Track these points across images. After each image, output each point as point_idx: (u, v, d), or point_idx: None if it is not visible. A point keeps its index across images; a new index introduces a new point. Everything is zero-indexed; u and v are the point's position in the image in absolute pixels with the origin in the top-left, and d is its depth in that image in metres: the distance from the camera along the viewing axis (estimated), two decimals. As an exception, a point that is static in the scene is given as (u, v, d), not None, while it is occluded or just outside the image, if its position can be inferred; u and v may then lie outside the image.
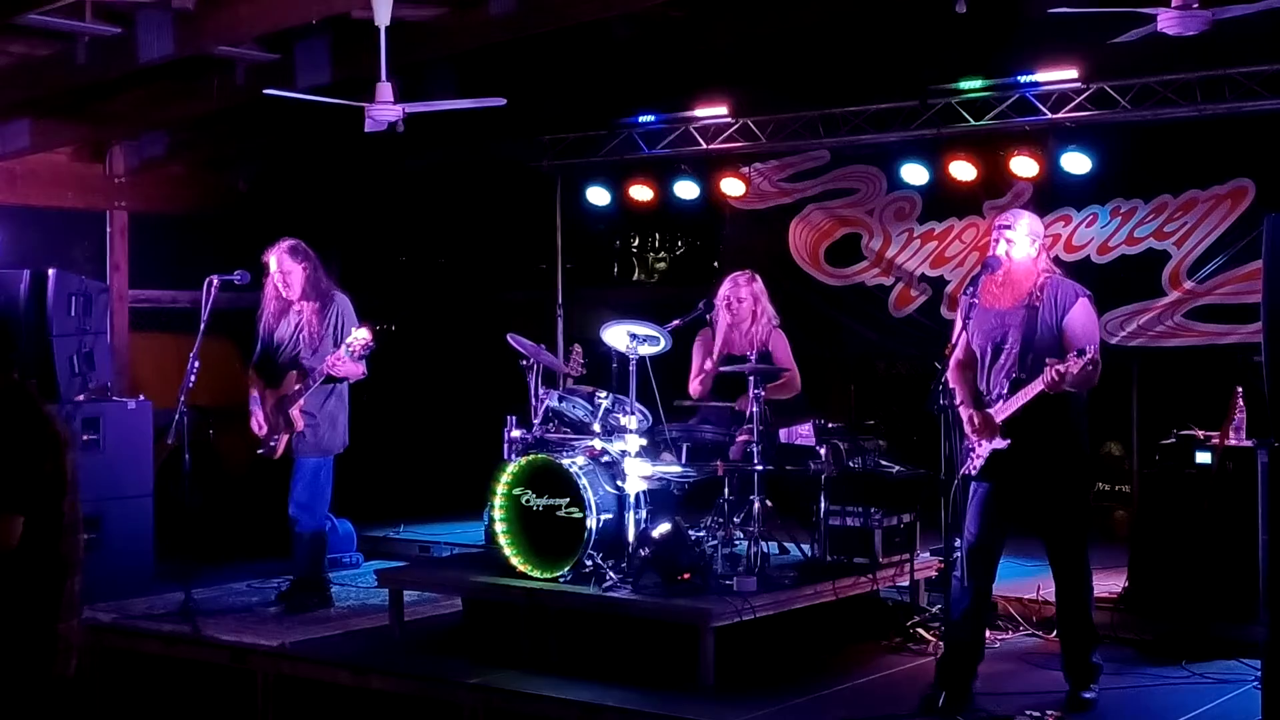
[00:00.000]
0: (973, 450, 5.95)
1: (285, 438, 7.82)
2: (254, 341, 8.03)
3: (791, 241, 10.18)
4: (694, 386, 8.12)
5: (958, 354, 6.15)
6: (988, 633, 6.96)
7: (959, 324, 6.12)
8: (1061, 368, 5.62)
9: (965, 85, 8.99)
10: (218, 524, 8.83)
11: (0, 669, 4.13)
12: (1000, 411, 5.87)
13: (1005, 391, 5.88)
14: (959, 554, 5.96)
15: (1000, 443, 5.86)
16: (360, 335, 7.59)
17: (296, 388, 7.76)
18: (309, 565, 8.02)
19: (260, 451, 7.91)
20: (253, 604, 8.09)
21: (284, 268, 7.84)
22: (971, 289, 6.00)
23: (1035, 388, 5.73)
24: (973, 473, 5.90)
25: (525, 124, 10.22)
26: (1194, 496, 7.13)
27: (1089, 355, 5.57)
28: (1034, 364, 5.83)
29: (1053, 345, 5.85)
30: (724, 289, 8.06)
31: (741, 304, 7.96)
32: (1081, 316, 5.94)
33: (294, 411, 7.77)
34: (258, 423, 7.91)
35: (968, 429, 5.98)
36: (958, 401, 5.98)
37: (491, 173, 11.97)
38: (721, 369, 7.83)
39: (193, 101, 9.50)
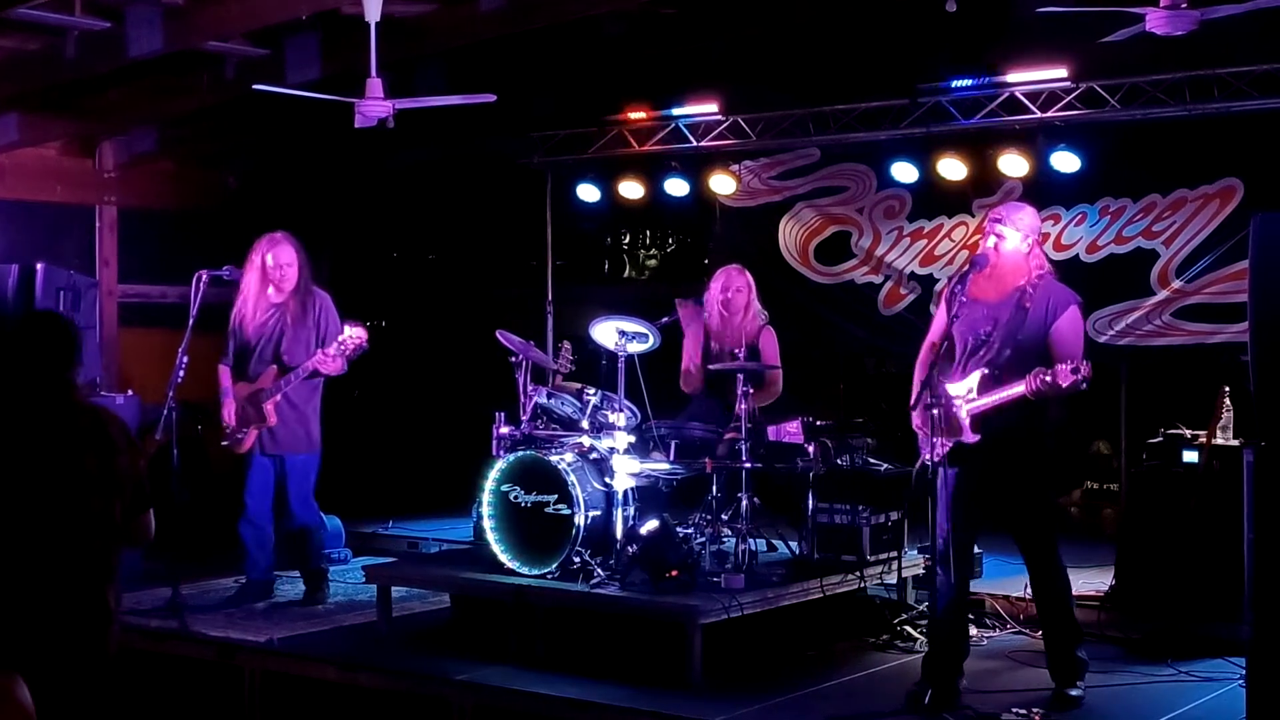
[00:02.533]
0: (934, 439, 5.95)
1: (254, 432, 7.82)
2: (227, 335, 8.00)
3: (781, 239, 10.19)
4: (684, 383, 8.16)
5: (931, 337, 6.19)
6: (975, 630, 6.99)
7: (940, 309, 6.15)
8: (1048, 378, 5.62)
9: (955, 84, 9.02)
10: (206, 520, 8.82)
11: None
12: (972, 405, 5.87)
13: (977, 384, 5.89)
14: (937, 549, 5.96)
15: (970, 437, 5.87)
16: (355, 334, 7.58)
17: (277, 382, 7.75)
18: (316, 556, 8.06)
19: (225, 444, 7.92)
20: (240, 600, 8.07)
21: (285, 259, 7.81)
22: (960, 285, 6.01)
23: (1016, 391, 5.73)
24: (936, 459, 5.90)
25: (516, 120, 10.22)
26: (1181, 495, 7.15)
27: (1083, 374, 5.57)
28: (1009, 361, 5.83)
29: (1037, 348, 5.85)
30: (717, 281, 8.09)
31: (740, 293, 8.01)
32: (1071, 325, 5.92)
33: (268, 406, 7.76)
34: (228, 413, 7.89)
35: (917, 422, 5.99)
36: (915, 392, 6.01)
37: (482, 169, 11.96)
38: (711, 367, 7.84)
39: (182, 97, 9.50)
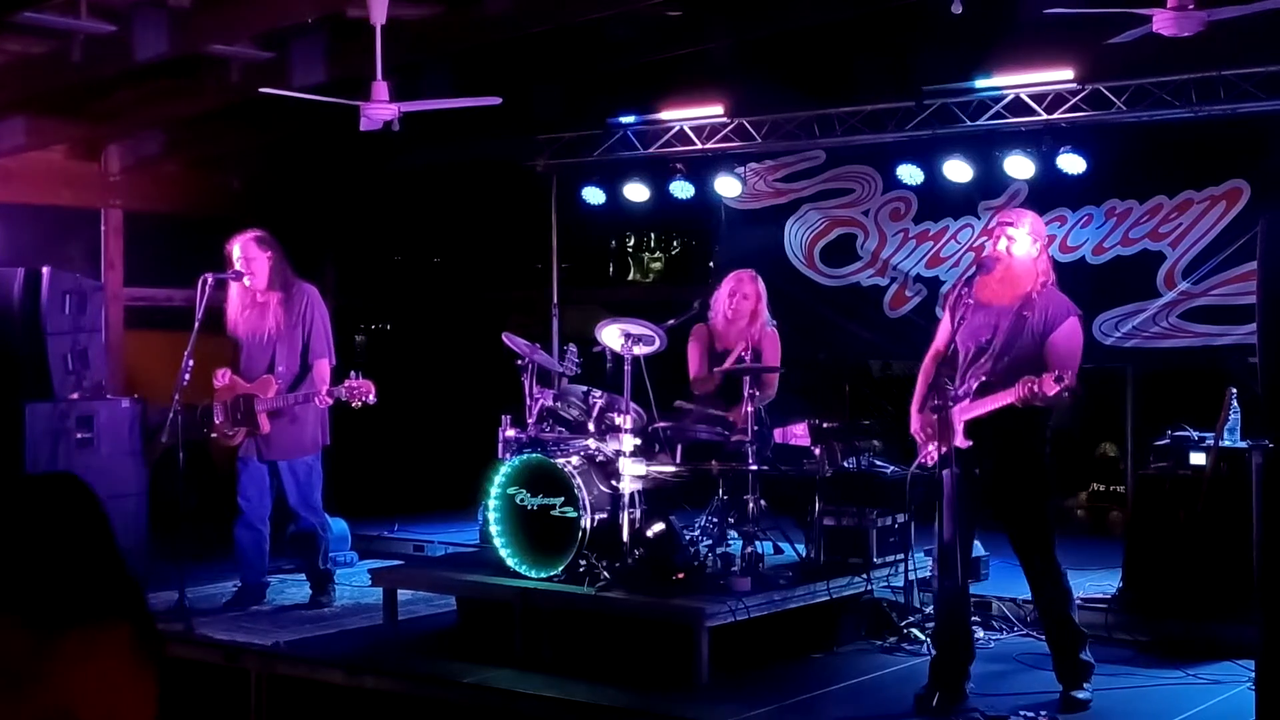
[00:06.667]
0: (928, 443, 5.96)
1: (243, 431, 7.80)
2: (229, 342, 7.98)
3: (787, 241, 10.18)
4: (695, 388, 8.13)
5: (936, 345, 6.18)
6: (983, 633, 6.98)
7: (944, 316, 6.14)
8: (1036, 387, 5.60)
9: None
10: (211, 523, 8.81)
11: None
12: (965, 411, 5.86)
13: (974, 390, 5.87)
14: (940, 552, 5.95)
15: (962, 442, 5.85)
16: (362, 388, 7.51)
17: (271, 396, 7.72)
18: (322, 558, 8.07)
19: (214, 436, 7.87)
20: (236, 604, 8.06)
21: (248, 254, 7.79)
22: (967, 288, 6.00)
23: (1005, 398, 5.72)
24: (929, 462, 5.89)
25: (520, 124, 10.22)
26: (1188, 497, 7.13)
27: (1066, 382, 5.54)
28: (1006, 370, 5.81)
29: (1033, 357, 5.83)
30: (727, 284, 8.05)
31: (746, 300, 7.95)
32: (1068, 337, 5.90)
33: (262, 417, 7.74)
34: (220, 408, 7.84)
35: (915, 425, 6.02)
36: (915, 400, 6.00)
37: (487, 172, 11.96)
38: (718, 369, 7.83)
39: (188, 100, 9.50)
